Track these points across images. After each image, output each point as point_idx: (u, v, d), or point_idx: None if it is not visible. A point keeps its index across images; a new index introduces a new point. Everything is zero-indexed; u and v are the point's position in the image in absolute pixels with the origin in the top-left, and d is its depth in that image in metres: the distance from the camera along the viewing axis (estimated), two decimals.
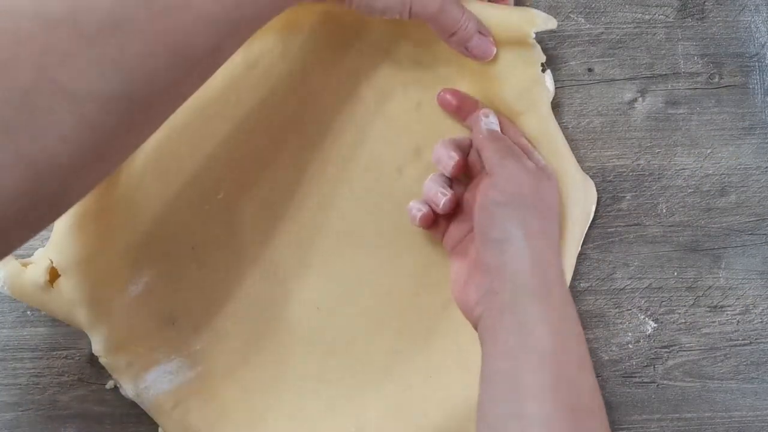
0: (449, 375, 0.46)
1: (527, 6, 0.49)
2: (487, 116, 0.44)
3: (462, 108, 0.45)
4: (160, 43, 0.31)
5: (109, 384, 0.46)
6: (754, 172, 0.50)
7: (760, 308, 0.49)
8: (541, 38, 0.49)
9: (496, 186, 0.39)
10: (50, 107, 0.28)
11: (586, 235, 0.48)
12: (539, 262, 0.38)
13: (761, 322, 0.49)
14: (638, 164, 0.49)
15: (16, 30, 0.28)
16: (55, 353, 0.47)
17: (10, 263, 0.43)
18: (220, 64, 0.36)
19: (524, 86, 0.45)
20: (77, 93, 0.29)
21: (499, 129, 0.44)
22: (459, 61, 0.47)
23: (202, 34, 0.33)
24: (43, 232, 0.46)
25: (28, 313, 0.47)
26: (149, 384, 0.44)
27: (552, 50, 0.49)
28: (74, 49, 0.29)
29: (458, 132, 0.47)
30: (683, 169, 0.49)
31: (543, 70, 0.47)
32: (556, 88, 0.48)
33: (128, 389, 0.44)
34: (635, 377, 0.48)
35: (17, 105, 0.28)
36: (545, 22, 0.44)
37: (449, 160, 0.43)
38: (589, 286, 0.49)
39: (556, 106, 0.49)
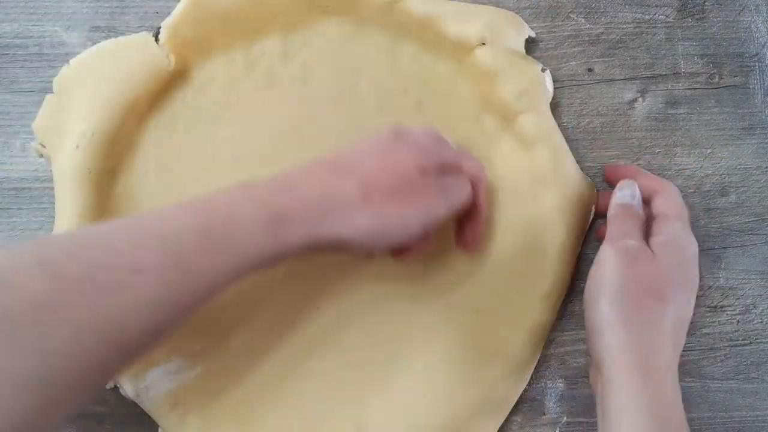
0: (449, 376, 0.46)
1: (528, 6, 0.49)
2: (621, 189, 0.44)
3: (618, 176, 0.46)
4: (88, 329, 0.30)
5: (109, 384, 0.46)
6: (754, 172, 0.50)
7: (760, 308, 0.49)
8: (542, 38, 0.50)
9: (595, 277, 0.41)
10: None
11: (585, 235, 0.48)
12: (640, 353, 0.38)
13: (761, 322, 0.49)
14: (638, 164, 0.49)
15: None
16: None
17: None
18: (161, 340, 0.34)
19: (524, 86, 0.46)
20: None
21: (634, 201, 0.44)
22: (459, 61, 0.47)
23: (138, 317, 0.31)
24: (44, 232, 0.47)
25: None
26: (149, 384, 0.45)
27: (552, 50, 0.50)
28: None
29: (460, 131, 0.47)
30: (683, 169, 0.50)
31: (542, 71, 0.47)
32: (555, 88, 0.48)
33: (128, 389, 0.44)
34: None
35: None
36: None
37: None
38: None
39: (555, 106, 0.49)
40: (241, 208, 0.35)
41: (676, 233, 0.42)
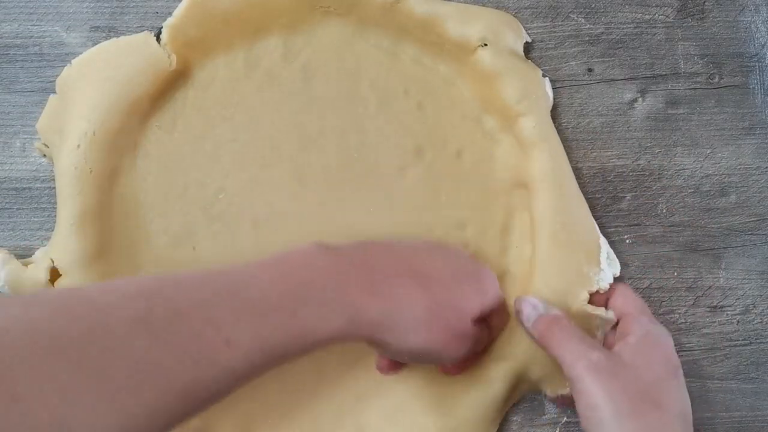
0: (449, 377, 0.46)
1: (528, 6, 0.50)
2: (525, 307, 0.43)
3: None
4: (178, 395, 0.30)
5: None
6: (754, 172, 0.50)
7: (760, 308, 0.50)
8: (542, 38, 0.50)
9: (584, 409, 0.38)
10: None
11: None
12: None
13: (761, 322, 0.50)
14: (638, 164, 0.50)
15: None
16: None
17: (11, 263, 0.44)
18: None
19: (525, 89, 0.46)
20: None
21: (549, 310, 0.43)
22: (461, 62, 0.47)
23: (221, 389, 0.32)
24: (44, 232, 0.47)
25: None
26: None
27: (552, 50, 0.50)
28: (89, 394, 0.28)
29: (460, 133, 0.48)
30: (683, 169, 0.50)
31: (542, 77, 0.48)
32: (555, 88, 0.49)
33: None
34: None
35: None
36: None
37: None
38: None
39: (555, 106, 0.49)
40: (323, 294, 0.36)
41: (646, 330, 0.40)
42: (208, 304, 0.32)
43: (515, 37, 0.48)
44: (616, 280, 0.47)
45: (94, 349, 0.28)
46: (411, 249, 0.42)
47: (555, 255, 0.46)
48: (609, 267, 0.47)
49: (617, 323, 0.43)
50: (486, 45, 0.47)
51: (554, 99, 0.49)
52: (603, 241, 0.47)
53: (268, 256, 0.37)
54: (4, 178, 0.48)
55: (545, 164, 0.46)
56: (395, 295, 0.38)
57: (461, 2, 0.49)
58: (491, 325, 0.44)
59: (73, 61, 0.46)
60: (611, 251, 0.47)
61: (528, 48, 0.50)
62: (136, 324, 0.30)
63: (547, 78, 0.48)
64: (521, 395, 0.48)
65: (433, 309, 0.39)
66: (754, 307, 0.50)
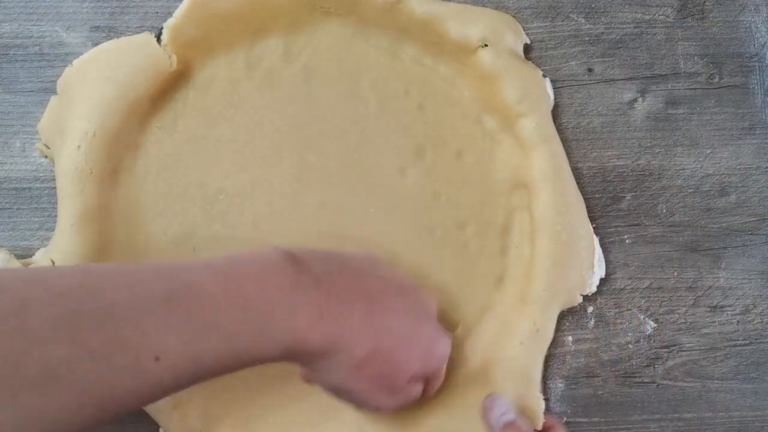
0: (449, 378, 0.47)
1: (528, 6, 0.50)
2: (492, 408, 0.43)
3: None
4: (94, 403, 0.29)
5: None
6: (754, 172, 0.51)
7: (760, 308, 0.50)
8: (542, 38, 0.50)
9: None
10: None
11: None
12: None
13: (761, 322, 0.50)
14: (638, 164, 0.50)
15: None
16: None
17: (11, 263, 0.44)
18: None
19: (526, 89, 0.47)
20: None
21: (513, 417, 0.42)
22: (461, 63, 0.48)
23: (143, 398, 0.31)
24: (44, 232, 0.47)
25: None
26: None
27: (552, 50, 0.50)
28: None
29: (460, 133, 0.48)
30: (683, 169, 0.50)
31: (543, 77, 0.48)
32: (555, 88, 0.49)
33: None
34: (635, 377, 0.49)
35: None
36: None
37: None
38: None
39: (555, 106, 0.50)
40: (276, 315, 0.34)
41: None
42: (141, 310, 0.31)
43: (515, 38, 0.49)
44: (602, 281, 0.48)
45: (8, 346, 0.28)
46: (382, 285, 0.39)
47: (555, 256, 0.47)
48: (598, 270, 0.48)
49: None
50: (486, 45, 0.47)
51: (554, 99, 0.49)
52: (596, 243, 0.48)
53: (226, 258, 0.35)
54: (4, 178, 0.48)
55: (546, 165, 0.47)
56: (343, 326, 0.36)
57: (461, 2, 0.49)
58: (427, 386, 0.43)
59: (74, 62, 0.46)
60: (601, 254, 0.48)
61: (528, 48, 0.50)
62: (59, 324, 0.29)
63: (547, 78, 0.49)
64: None
65: (375, 356, 0.37)
66: (754, 307, 0.50)
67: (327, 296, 0.36)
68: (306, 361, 0.37)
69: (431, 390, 0.43)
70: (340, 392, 0.39)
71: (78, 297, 0.30)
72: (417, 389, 0.41)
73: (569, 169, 0.48)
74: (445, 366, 0.43)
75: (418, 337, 0.40)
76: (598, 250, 0.48)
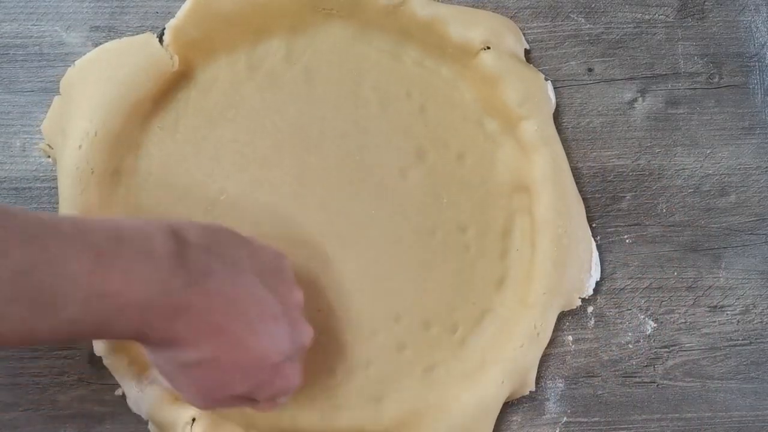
0: (449, 379, 0.48)
1: (528, 6, 0.51)
2: None
3: None
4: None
5: (118, 392, 0.47)
6: (754, 172, 0.51)
7: (760, 308, 0.51)
8: (542, 38, 0.51)
9: None
10: None
11: None
12: None
13: (761, 322, 0.51)
14: (638, 164, 0.51)
15: None
16: (55, 353, 0.47)
17: None
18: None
19: (528, 92, 0.48)
20: None
21: None
22: (463, 65, 0.48)
23: None
24: None
25: None
26: (149, 382, 0.45)
27: (552, 50, 0.51)
28: None
29: (461, 135, 0.49)
30: (683, 169, 0.51)
31: (545, 80, 0.49)
32: (555, 88, 0.50)
33: (129, 389, 0.45)
34: (635, 377, 0.50)
35: None
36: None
37: None
38: None
39: (555, 106, 0.50)
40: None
41: None
42: None
43: (516, 41, 0.49)
44: (602, 281, 0.49)
45: None
46: (252, 301, 0.37)
47: (556, 258, 0.47)
48: (595, 272, 0.48)
49: None
50: (488, 48, 0.47)
51: (555, 98, 0.50)
52: (593, 246, 0.49)
53: (108, 231, 0.33)
54: (4, 178, 0.48)
55: (547, 167, 0.48)
56: (190, 325, 0.35)
57: (461, 3, 0.50)
58: (257, 405, 0.41)
59: (76, 62, 0.47)
60: (598, 257, 0.49)
61: (528, 48, 0.51)
62: None
63: (549, 82, 0.49)
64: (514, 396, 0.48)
65: (204, 365, 0.36)
66: (754, 307, 0.51)
67: (188, 298, 0.34)
68: (148, 347, 0.37)
69: (264, 408, 0.41)
70: (170, 381, 0.38)
71: None
72: (241, 404, 0.40)
73: (570, 171, 0.49)
74: (285, 395, 0.41)
75: (259, 367, 0.38)
76: (595, 253, 0.49)
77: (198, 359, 0.36)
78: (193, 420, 0.44)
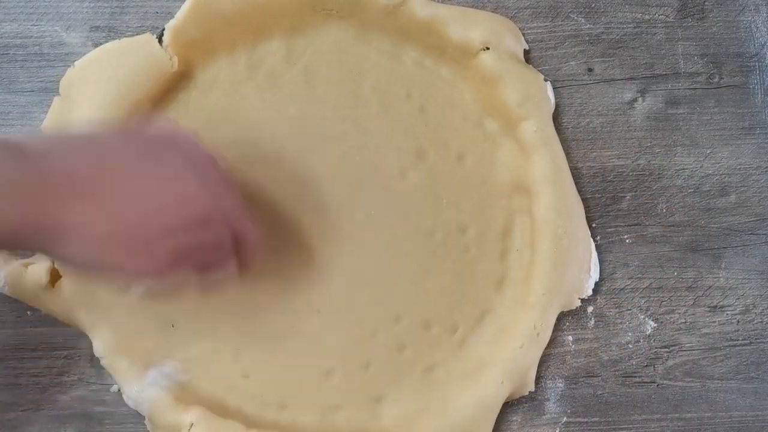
0: (449, 379, 0.48)
1: (528, 6, 0.51)
2: None
3: None
4: None
5: (114, 388, 0.47)
6: (754, 172, 0.51)
7: (760, 308, 0.51)
8: (542, 38, 0.51)
9: None
10: None
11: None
12: None
13: (761, 322, 0.51)
14: (638, 164, 0.51)
15: None
16: (55, 353, 0.48)
17: (11, 264, 0.45)
18: None
19: (527, 93, 0.48)
20: None
21: None
22: (463, 66, 0.49)
23: None
24: None
25: (28, 313, 0.48)
26: (149, 384, 0.46)
27: (552, 50, 0.51)
28: None
29: (461, 136, 0.49)
30: (683, 169, 0.51)
31: (544, 81, 0.49)
32: (555, 88, 0.50)
33: (128, 390, 0.46)
34: (635, 377, 0.50)
35: None
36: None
37: None
38: None
39: (555, 106, 0.50)
40: None
41: None
42: None
43: (516, 42, 0.49)
44: (602, 281, 0.49)
45: None
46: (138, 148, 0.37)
47: (556, 259, 0.47)
48: (594, 273, 0.49)
49: None
50: (488, 48, 0.48)
51: (555, 101, 0.50)
52: (593, 247, 0.49)
53: None
54: None
55: (547, 168, 0.48)
56: (63, 207, 0.33)
57: (461, 4, 0.50)
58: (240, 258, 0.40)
59: (76, 63, 0.47)
60: (596, 257, 0.49)
61: (529, 47, 0.51)
62: None
63: (548, 82, 0.50)
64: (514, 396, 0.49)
65: (114, 223, 0.35)
66: (754, 307, 0.51)
67: (44, 185, 0.33)
68: (41, 248, 0.36)
69: (247, 251, 0.41)
70: (95, 269, 0.37)
71: None
72: (185, 241, 0.37)
73: (569, 171, 0.49)
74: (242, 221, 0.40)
75: (170, 187, 0.37)
76: (594, 254, 0.49)
77: (103, 227, 0.34)
78: (191, 425, 0.44)
